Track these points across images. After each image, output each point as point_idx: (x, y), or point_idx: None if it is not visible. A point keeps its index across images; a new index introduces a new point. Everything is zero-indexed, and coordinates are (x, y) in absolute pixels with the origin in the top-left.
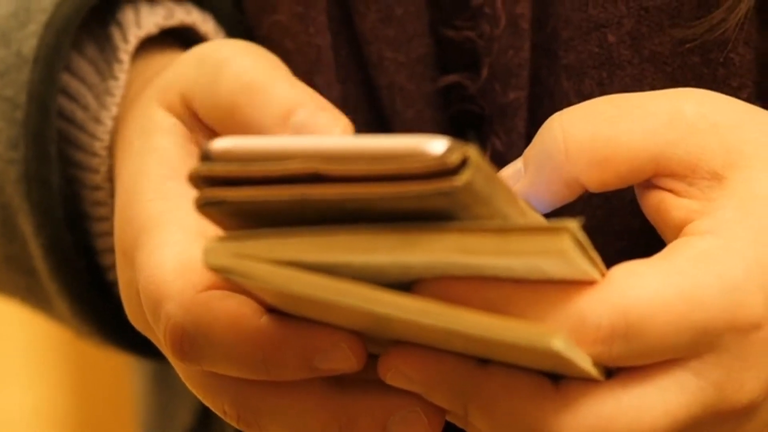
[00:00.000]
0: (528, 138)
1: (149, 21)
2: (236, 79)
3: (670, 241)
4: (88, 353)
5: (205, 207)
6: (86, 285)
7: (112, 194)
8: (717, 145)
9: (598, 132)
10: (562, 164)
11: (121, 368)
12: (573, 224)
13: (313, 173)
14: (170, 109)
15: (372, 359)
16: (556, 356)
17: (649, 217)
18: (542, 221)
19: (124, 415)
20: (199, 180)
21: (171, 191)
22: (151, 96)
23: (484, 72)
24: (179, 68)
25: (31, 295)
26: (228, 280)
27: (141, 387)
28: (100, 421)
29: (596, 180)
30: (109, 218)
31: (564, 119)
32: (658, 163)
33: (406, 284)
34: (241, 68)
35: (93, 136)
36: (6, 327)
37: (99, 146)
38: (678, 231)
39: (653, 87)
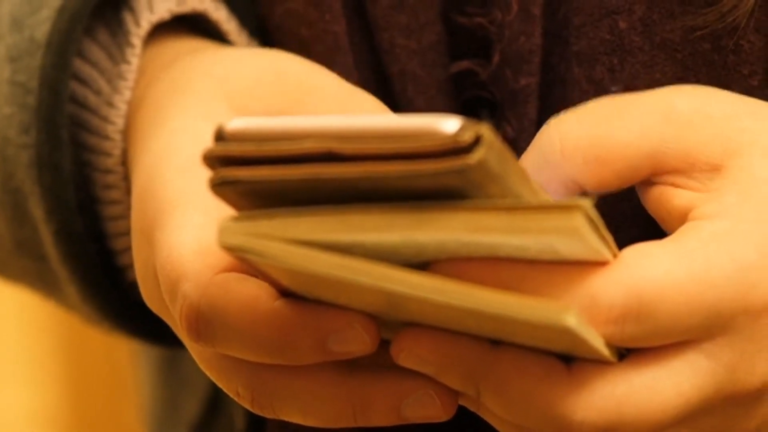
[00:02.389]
0: (539, 125)
1: (162, 7)
2: (328, 107)
3: (674, 230)
4: (87, 354)
5: (219, 187)
6: (97, 270)
7: (124, 178)
8: (713, 138)
9: (594, 130)
10: (559, 164)
11: (120, 368)
12: (586, 202)
13: (327, 152)
14: (241, 112)
15: (384, 345)
16: (569, 334)
17: (652, 212)
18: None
19: (124, 415)
20: (214, 160)
21: (197, 172)
22: (209, 88)
23: (496, 58)
24: (256, 79)
25: (41, 281)
26: (243, 261)
27: (147, 380)
28: (99, 421)
29: (593, 179)
30: (120, 202)
31: (560, 121)
32: (655, 160)
33: (419, 266)
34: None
35: (106, 119)
36: (5, 327)
37: (112, 130)
38: (682, 219)
39: (664, 74)
